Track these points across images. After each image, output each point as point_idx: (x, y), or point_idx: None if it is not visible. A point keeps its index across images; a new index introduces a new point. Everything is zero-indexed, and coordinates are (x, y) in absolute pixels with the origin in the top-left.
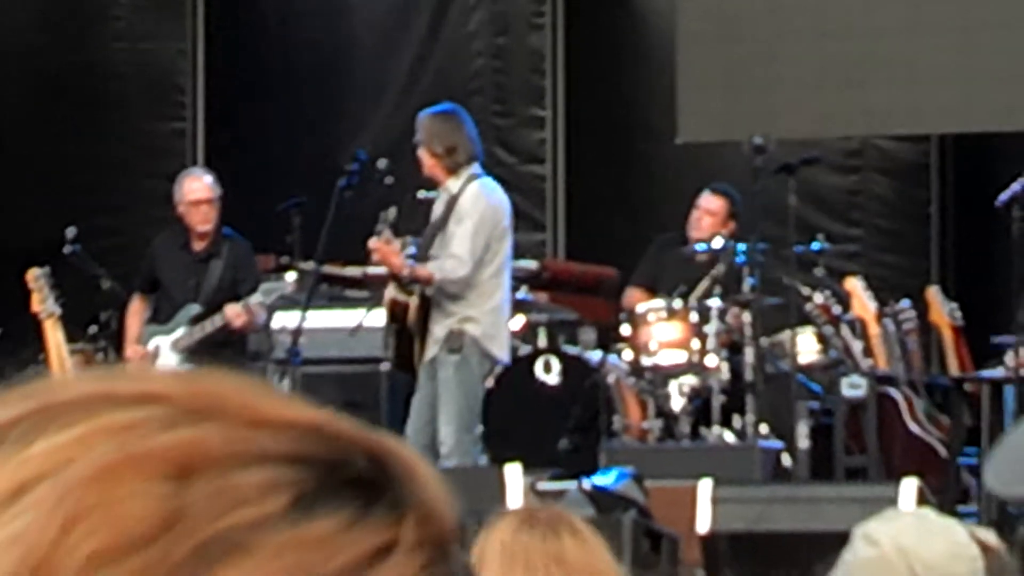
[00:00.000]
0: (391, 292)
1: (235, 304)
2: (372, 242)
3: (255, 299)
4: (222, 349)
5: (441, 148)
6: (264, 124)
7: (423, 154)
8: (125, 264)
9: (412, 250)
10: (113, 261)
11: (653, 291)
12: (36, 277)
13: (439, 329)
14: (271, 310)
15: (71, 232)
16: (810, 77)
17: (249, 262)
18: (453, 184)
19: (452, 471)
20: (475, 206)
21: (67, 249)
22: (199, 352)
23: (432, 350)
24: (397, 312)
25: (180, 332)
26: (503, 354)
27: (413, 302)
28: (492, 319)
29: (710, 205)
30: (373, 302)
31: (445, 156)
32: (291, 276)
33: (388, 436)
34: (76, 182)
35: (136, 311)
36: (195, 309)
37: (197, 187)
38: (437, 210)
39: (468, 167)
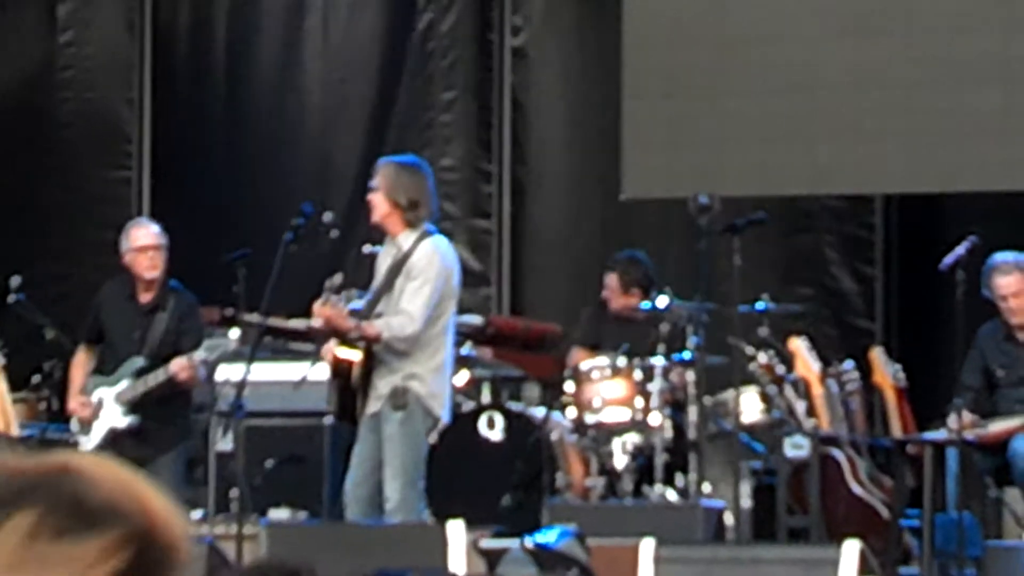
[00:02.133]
0: (334, 348)
1: (181, 358)
2: (317, 307)
3: (199, 355)
4: (167, 402)
5: (405, 200)
6: (211, 174)
7: (381, 201)
8: (70, 314)
9: (357, 304)
10: (58, 310)
11: (596, 350)
12: None
13: (383, 385)
14: (214, 364)
15: (15, 281)
16: (755, 135)
17: (194, 316)
18: (405, 239)
19: (394, 528)
20: (430, 264)
21: (11, 298)
22: (143, 404)
23: (375, 405)
24: (341, 368)
25: (124, 385)
26: (444, 413)
27: (357, 357)
28: (435, 377)
29: (607, 282)
30: (317, 355)
31: (407, 209)
32: (235, 333)
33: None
34: (21, 230)
35: (81, 362)
36: (139, 362)
37: (143, 234)
38: (383, 264)
39: (424, 223)
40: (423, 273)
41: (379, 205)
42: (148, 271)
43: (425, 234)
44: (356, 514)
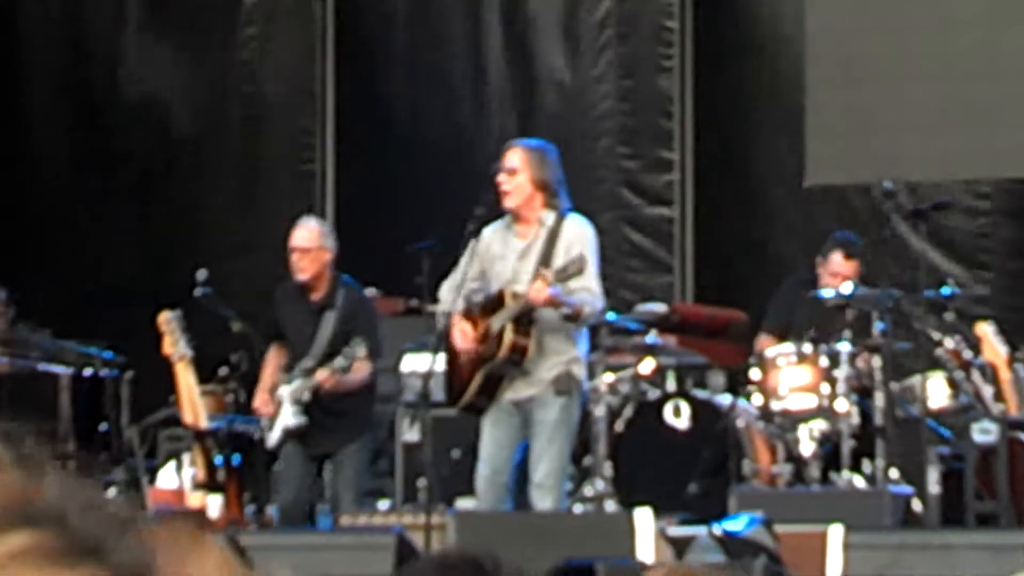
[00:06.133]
0: (511, 335)
1: (324, 368)
2: (538, 286)
3: (337, 363)
4: (346, 396)
5: (553, 182)
6: (395, 165)
7: (525, 183)
8: (255, 307)
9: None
10: (243, 304)
11: (785, 335)
12: (168, 320)
13: (545, 369)
14: (399, 355)
15: (202, 275)
16: (936, 120)
17: (362, 313)
18: (547, 218)
19: (582, 516)
20: (589, 241)
21: (198, 292)
22: (320, 399)
23: (526, 391)
24: (516, 352)
25: (296, 384)
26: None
27: (532, 344)
28: (584, 358)
29: (844, 270)
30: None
31: (550, 192)
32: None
33: None
34: (207, 224)
35: (272, 359)
36: (308, 362)
37: (298, 235)
38: (518, 245)
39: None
40: (585, 249)
41: (524, 186)
42: (298, 273)
43: (561, 214)
44: (492, 503)
